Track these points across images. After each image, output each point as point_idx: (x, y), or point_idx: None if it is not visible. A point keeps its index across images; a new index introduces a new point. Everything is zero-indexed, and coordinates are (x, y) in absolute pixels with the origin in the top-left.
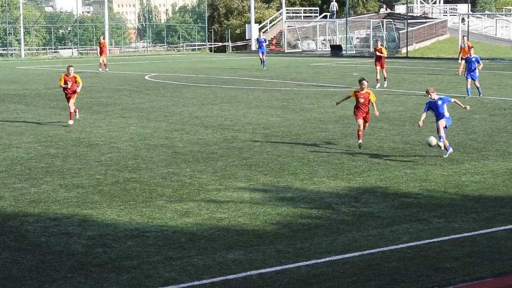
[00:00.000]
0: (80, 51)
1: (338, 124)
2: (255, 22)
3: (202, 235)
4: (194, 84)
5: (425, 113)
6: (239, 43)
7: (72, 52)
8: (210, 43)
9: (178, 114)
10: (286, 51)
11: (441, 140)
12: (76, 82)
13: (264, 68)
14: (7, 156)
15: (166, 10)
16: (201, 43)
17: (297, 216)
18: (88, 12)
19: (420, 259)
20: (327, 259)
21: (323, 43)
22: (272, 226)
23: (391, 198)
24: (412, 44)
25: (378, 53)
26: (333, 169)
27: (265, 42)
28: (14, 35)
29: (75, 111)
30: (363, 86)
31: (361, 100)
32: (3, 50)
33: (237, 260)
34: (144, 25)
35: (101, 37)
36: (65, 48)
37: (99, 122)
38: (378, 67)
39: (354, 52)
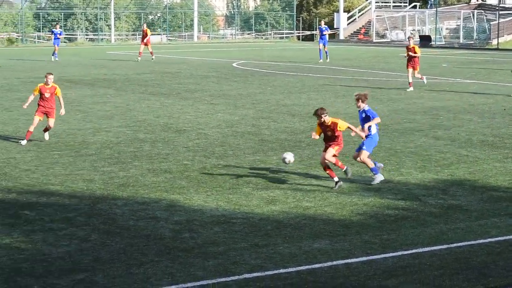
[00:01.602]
0: (169, 37)
1: (426, 115)
2: (344, 11)
3: (288, 223)
4: (282, 72)
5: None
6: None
7: (161, 38)
8: (298, 32)
9: (265, 102)
10: (374, 40)
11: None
12: (55, 94)
13: (327, 60)
14: (97, 139)
15: None
16: (289, 31)
17: (384, 207)
18: None
19: (510, 254)
20: (413, 251)
21: (412, 33)
22: (358, 217)
23: (480, 192)
24: (503, 36)
25: (411, 53)
26: (420, 161)
27: (327, 31)
28: (104, 20)
29: (45, 130)
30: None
31: (329, 133)
32: (94, 35)
33: (323, 250)
34: (233, 12)
35: (144, 25)
36: (154, 34)
37: (187, 108)
38: (410, 69)
39: (444, 43)
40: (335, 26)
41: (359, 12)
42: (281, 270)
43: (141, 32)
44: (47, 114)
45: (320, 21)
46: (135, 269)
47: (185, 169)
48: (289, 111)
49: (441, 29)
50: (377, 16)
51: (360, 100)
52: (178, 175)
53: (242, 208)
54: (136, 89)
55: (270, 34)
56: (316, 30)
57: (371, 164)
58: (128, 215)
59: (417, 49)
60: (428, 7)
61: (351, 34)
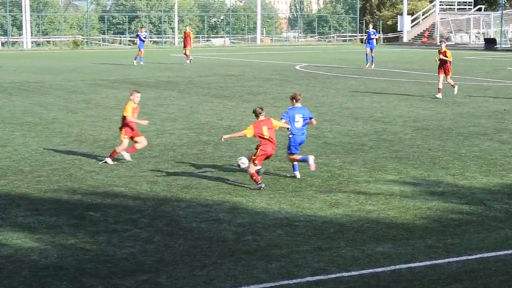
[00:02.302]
0: (232, 40)
1: (491, 119)
2: (408, 14)
3: (351, 226)
4: (344, 75)
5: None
6: (390, 35)
7: (224, 41)
8: (361, 34)
9: (328, 105)
10: (438, 43)
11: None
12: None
13: (373, 66)
14: (160, 142)
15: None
16: (352, 34)
17: (448, 211)
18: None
19: None
20: (478, 255)
21: (476, 36)
22: (422, 220)
23: None
24: None
25: (442, 57)
26: (485, 165)
27: (375, 35)
28: (168, 23)
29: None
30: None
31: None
32: (158, 37)
33: (386, 253)
34: (296, 15)
35: (187, 27)
36: (217, 37)
37: (250, 110)
38: (442, 75)
39: (509, 45)
40: (398, 29)
41: (423, 15)
42: (344, 274)
43: (183, 35)
44: (134, 136)
45: (368, 25)
46: (198, 271)
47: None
48: (352, 114)
49: (507, 32)
50: (441, 19)
51: (294, 100)
52: (241, 177)
53: (305, 211)
54: (199, 91)
55: (333, 37)
56: (379, 33)
57: (297, 160)
58: (191, 217)
59: (448, 53)
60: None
61: (415, 37)
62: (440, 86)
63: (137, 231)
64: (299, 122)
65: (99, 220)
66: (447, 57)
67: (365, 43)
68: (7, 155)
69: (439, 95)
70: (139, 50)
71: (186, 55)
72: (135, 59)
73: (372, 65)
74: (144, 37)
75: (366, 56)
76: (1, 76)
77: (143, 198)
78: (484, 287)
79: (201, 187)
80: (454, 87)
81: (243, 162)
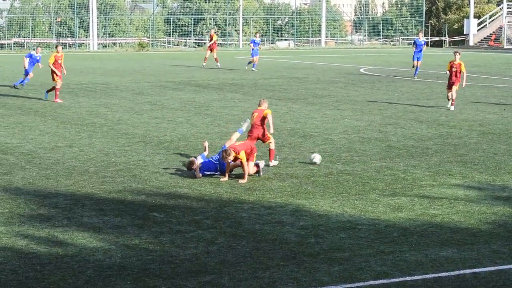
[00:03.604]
0: (297, 43)
1: None
2: (474, 17)
3: (415, 230)
4: (409, 78)
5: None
6: (456, 38)
7: (289, 44)
8: (426, 37)
9: (392, 108)
10: (505, 47)
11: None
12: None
13: (415, 78)
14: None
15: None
16: None
17: None
18: (305, 4)
19: None
20: None
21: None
22: (487, 225)
23: None
24: None
25: (454, 69)
26: None
27: (424, 45)
28: (233, 25)
29: None
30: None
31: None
32: (223, 40)
33: (450, 258)
34: (360, 18)
35: (212, 30)
36: (281, 40)
37: (314, 113)
38: (454, 87)
39: None
40: (464, 32)
41: (489, 18)
42: (407, 278)
43: (209, 37)
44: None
45: (418, 33)
46: (260, 273)
47: (311, 174)
48: (417, 118)
49: None
50: (508, 22)
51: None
52: (304, 180)
53: (368, 214)
54: (263, 94)
55: (398, 40)
56: (445, 36)
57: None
58: (254, 219)
59: (463, 66)
60: None
61: (481, 40)
62: (453, 97)
63: (200, 232)
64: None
65: (163, 221)
66: (461, 70)
67: (413, 51)
68: (73, 156)
69: (451, 107)
70: (253, 57)
71: (215, 58)
72: (251, 65)
73: (414, 76)
74: (257, 44)
75: (414, 69)
76: (68, 77)
77: (207, 199)
78: None
79: (264, 189)
80: (452, 102)
81: (316, 159)
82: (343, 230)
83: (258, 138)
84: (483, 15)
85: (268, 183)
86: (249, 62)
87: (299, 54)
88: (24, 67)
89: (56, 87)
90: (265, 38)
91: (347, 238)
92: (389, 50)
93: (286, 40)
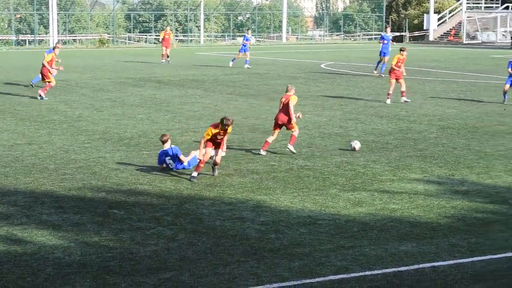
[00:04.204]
0: (258, 39)
1: None
2: (434, 12)
3: (375, 225)
4: (370, 73)
5: None
6: (416, 34)
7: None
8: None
9: (353, 103)
10: (464, 42)
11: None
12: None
13: (382, 74)
14: (185, 139)
15: None
16: (378, 33)
17: (472, 210)
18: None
19: None
20: (503, 255)
21: (503, 35)
22: (446, 219)
23: None
24: None
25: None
26: (510, 164)
27: (391, 40)
28: (194, 21)
29: None
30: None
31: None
32: (184, 36)
33: (410, 252)
34: (321, 13)
35: (168, 27)
36: (242, 35)
37: (275, 109)
38: (393, 80)
39: None
40: (424, 28)
41: (449, 14)
42: (367, 272)
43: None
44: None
45: (386, 27)
46: (221, 269)
47: (272, 170)
48: (377, 113)
49: None
50: (468, 17)
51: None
52: (265, 175)
53: (328, 209)
54: (224, 89)
55: (359, 36)
56: (405, 31)
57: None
58: (215, 215)
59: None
60: None
61: (441, 35)
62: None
63: (160, 229)
64: (171, 163)
65: (123, 218)
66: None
67: (380, 46)
68: (33, 153)
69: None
70: (245, 53)
71: (166, 54)
72: (233, 61)
73: (381, 73)
74: (246, 40)
75: (382, 66)
76: (27, 74)
77: (167, 196)
78: (508, 286)
79: (225, 185)
80: (403, 94)
81: (356, 145)
82: (303, 226)
83: (283, 124)
84: (443, 10)
85: (228, 179)
86: (234, 59)
87: (260, 50)
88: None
89: (51, 85)
90: (226, 34)
91: (307, 233)
92: (350, 45)
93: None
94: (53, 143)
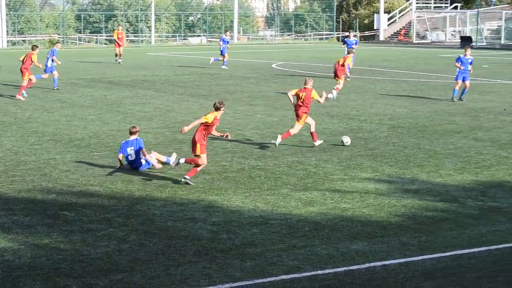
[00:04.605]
0: (209, 39)
1: (466, 116)
2: (384, 12)
3: (326, 224)
4: (321, 73)
5: None
6: (367, 33)
7: (201, 40)
8: (337, 33)
9: None
10: (414, 42)
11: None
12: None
13: (348, 78)
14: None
15: None
16: (329, 33)
17: (423, 209)
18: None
19: None
20: (452, 253)
21: (452, 34)
22: (396, 218)
23: None
24: None
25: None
26: (460, 162)
27: (356, 45)
28: (145, 22)
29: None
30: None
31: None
32: (135, 36)
33: (361, 251)
34: (273, 13)
35: (119, 27)
36: (194, 36)
37: (226, 109)
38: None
39: (485, 44)
40: (375, 27)
41: (399, 13)
42: (318, 272)
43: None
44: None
45: (349, 32)
46: (173, 270)
47: (224, 170)
48: (328, 112)
49: (482, 30)
50: (417, 17)
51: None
52: (217, 176)
53: (280, 209)
54: (176, 90)
55: (310, 35)
56: (356, 31)
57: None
58: (167, 216)
59: (349, 59)
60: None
61: (391, 35)
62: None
63: (111, 231)
64: (131, 155)
65: (74, 219)
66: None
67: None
68: None
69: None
70: (223, 55)
71: (120, 54)
72: (217, 61)
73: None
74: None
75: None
76: None
77: (118, 197)
78: (458, 284)
79: (176, 186)
80: (333, 92)
81: (347, 140)
82: (255, 226)
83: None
84: (393, 10)
85: (180, 180)
86: (216, 59)
87: (212, 50)
88: (47, 65)
89: (28, 84)
90: (177, 34)
91: (259, 233)
92: (301, 45)
93: (198, 36)
94: (2, 145)
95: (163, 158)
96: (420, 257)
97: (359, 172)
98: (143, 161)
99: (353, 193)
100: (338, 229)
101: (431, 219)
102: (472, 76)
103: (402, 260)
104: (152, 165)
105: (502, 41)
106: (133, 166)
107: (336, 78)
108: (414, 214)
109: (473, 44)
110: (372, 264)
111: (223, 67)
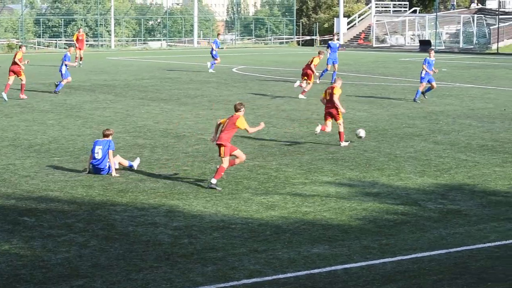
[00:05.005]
0: (169, 43)
1: (425, 120)
2: (344, 16)
3: (287, 228)
4: (282, 77)
5: None
6: (326, 37)
7: (161, 44)
8: (298, 37)
9: (265, 107)
10: (374, 45)
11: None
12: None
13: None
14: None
15: (255, 2)
16: (289, 37)
17: (383, 212)
18: (178, 4)
19: (509, 258)
20: (413, 256)
21: (412, 38)
22: (357, 221)
23: (479, 196)
24: (503, 40)
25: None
26: (420, 166)
27: (340, 48)
28: (105, 26)
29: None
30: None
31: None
32: (94, 41)
33: (322, 255)
34: (233, 17)
35: (80, 29)
36: (154, 40)
37: (187, 113)
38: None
39: (443, 47)
40: (335, 31)
41: (359, 17)
42: (280, 276)
43: (78, 37)
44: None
45: (333, 35)
46: (134, 275)
47: (185, 174)
48: (289, 116)
49: (441, 33)
50: (377, 21)
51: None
52: (178, 180)
53: (241, 213)
54: (136, 94)
55: (270, 39)
56: (316, 35)
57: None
58: (127, 221)
59: (315, 60)
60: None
61: (351, 39)
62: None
63: (72, 236)
64: (98, 153)
65: (34, 225)
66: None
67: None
68: None
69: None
70: (216, 59)
71: (80, 57)
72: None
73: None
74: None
75: (323, 73)
76: None
77: (79, 202)
78: (418, 286)
79: (137, 190)
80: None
81: (362, 133)
82: (216, 230)
83: (331, 115)
84: (353, 14)
85: (141, 185)
86: (213, 64)
87: (172, 54)
88: (61, 71)
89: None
90: (137, 38)
91: (220, 237)
92: (261, 49)
93: (158, 40)
94: None
95: (125, 163)
96: (381, 260)
97: (320, 176)
98: (107, 165)
99: (314, 196)
100: (299, 233)
101: (391, 222)
102: None
103: (363, 264)
104: (110, 172)
105: (461, 45)
106: (96, 167)
107: (305, 78)
108: (375, 218)
109: (432, 48)
110: (333, 268)
111: (211, 70)
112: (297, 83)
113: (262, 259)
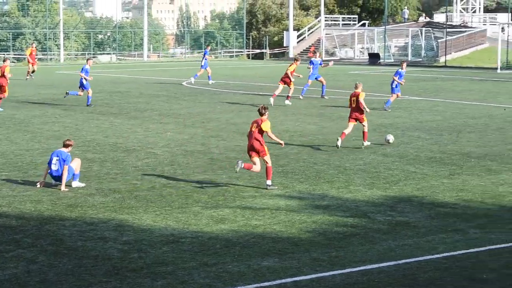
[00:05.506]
0: (119, 57)
1: (375, 132)
2: (294, 29)
3: (237, 241)
4: (231, 90)
5: None
6: (276, 50)
7: (111, 58)
8: (248, 50)
9: (215, 121)
10: (324, 58)
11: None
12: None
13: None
14: (45, 160)
15: (205, 16)
16: (239, 50)
17: (333, 224)
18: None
19: (456, 269)
20: (362, 268)
21: (361, 51)
22: (307, 234)
23: (428, 208)
24: (450, 53)
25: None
26: (369, 178)
27: (322, 64)
28: (54, 40)
29: None
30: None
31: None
32: (43, 55)
33: (272, 268)
34: (183, 31)
35: (33, 44)
36: (103, 54)
37: (137, 127)
38: (282, 86)
39: (392, 60)
40: (284, 44)
41: (308, 31)
42: None
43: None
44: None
45: (315, 52)
46: None
47: (134, 188)
48: (239, 130)
49: (390, 46)
50: (326, 34)
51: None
52: (127, 195)
53: (191, 227)
54: (85, 109)
55: (220, 53)
56: (266, 48)
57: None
58: (76, 236)
59: (292, 67)
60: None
61: (301, 52)
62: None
63: (20, 252)
64: (56, 164)
65: None
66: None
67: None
68: None
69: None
70: (206, 69)
71: (32, 71)
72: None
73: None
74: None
75: (304, 88)
76: None
77: (27, 217)
78: None
79: (86, 205)
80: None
81: (390, 139)
82: (166, 244)
83: (356, 119)
84: (302, 27)
85: (90, 199)
86: (196, 75)
87: (122, 68)
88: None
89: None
90: (87, 52)
91: (170, 251)
92: (211, 62)
93: (108, 54)
94: None
95: (75, 171)
96: (331, 273)
97: (270, 189)
98: (64, 173)
99: (264, 209)
100: (249, 246)
101: (341, 235)
102: (379, 92)
103: (313, 276)
104: (60, 184)
105: (409, 58)
106: (54, 175)
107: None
108: (325, 230)
109: (381, 60)
110: (283, 281)
111: (211, 82)
112: (271, 100)
113: (212, 273)
